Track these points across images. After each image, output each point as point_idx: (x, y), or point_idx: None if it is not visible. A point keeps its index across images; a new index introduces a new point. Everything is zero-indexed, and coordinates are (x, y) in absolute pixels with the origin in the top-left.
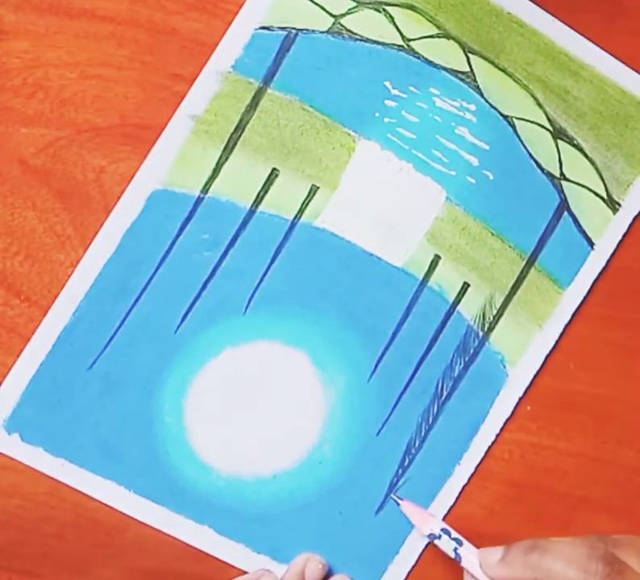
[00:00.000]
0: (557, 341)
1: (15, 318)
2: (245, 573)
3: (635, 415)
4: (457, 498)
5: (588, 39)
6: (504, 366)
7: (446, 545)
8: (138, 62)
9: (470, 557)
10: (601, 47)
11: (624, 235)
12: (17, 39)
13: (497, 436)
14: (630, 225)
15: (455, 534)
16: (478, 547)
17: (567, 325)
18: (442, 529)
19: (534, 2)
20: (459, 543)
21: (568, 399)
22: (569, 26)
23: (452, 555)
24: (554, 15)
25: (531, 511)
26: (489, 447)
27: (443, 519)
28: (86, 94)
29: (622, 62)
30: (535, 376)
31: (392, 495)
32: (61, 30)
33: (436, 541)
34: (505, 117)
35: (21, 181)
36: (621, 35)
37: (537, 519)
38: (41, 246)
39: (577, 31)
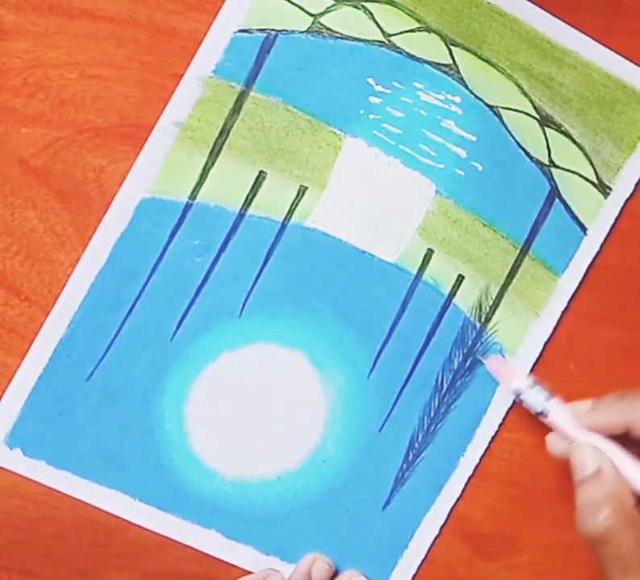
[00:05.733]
0: (554, 329)
1: (15, 318)
2: (249, 573)
3: None
4: (458, 498)
5: (578, 29)
6: (504, 356)
7: (533, 399)
8: (138, 62)
9: (558, 410)
10: (583, 32)
11: (616, 219)
12: (17, 39)
13: (500, 426)
14: (622, 209)
15: (544, 386)
16: (479, 546)
17: (563, 312)
18: (531, 383)
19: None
20: (549, 396)
21: (568, 399)
22: (553, 14)
23: (539, 409)
24: (538, 5)
25: (531, 511)
26: (493, 437)
27: (445, 517)
28: (86, 94)
29: (606, 47)
30: (535, 365)
31: (477, 355)
32: (61, 30)
33: (522, 397)
34: (491, 107)
35: (21, 181)
36: (621, 34)
37: (537, 519)
38: (41, 246)
39: (560, 18)
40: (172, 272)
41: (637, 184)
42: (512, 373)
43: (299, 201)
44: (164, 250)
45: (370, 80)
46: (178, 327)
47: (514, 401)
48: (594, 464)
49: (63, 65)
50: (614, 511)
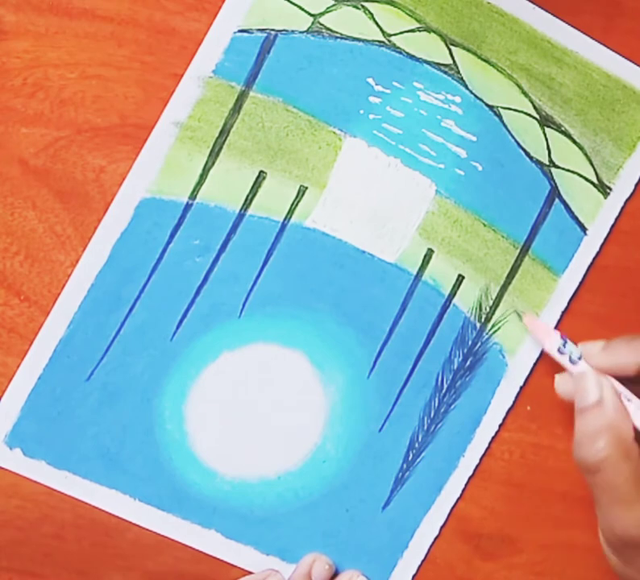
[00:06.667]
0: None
1: (15, 318)
2: (249, 573)
3: None
4: (458, 498)
5: (577, 29)
6: (504, 356)
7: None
8: (138, 62)
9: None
10: (583, 32)
11: (616, 219)
12: (17, 39)
13: (500, 426)
14: (622, 209)
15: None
16: (479, 546)
17: (563, 312)
18: (563, 342)
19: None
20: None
21: None
22: (553, 14)
23: (576, 358)
24: (538, 5)
25: (531, 511)
26: (493, 438)
27: (445, 517)
28: (86, 94)
29: (606, 47)
30: (535, 365)
31: (516, 310)
32: (61, 30)
33: (558, 356)
34: (491, 107)
35: (21, 181)
36: (621, 34)
37: (537, 519)
38: (41, 246)
39: (560, 18)
40: (172, 272)
41: (637, 184)
42: (549, 331)
43: (299, 201)
44: (164, 250)
45: (370, 80)
46: (178, 327)
47: (515, 401)
48: (596, 394)
49: (63, 65)
50: (611, 441)
